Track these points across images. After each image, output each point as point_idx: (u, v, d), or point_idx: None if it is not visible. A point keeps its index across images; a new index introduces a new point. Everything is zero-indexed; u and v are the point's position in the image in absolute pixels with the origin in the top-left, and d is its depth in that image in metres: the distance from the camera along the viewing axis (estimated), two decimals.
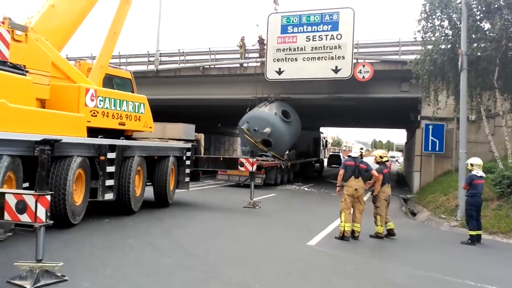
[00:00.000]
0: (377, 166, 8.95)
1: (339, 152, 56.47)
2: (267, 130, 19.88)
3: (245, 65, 21.77)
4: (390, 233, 8.73)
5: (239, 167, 12.24)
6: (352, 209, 8.44)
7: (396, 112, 26.18)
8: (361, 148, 8.78)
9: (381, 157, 8.98)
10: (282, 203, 14.19)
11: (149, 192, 11.06)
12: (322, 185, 22.12)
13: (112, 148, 8.95)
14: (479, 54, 11.93)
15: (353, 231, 8.39)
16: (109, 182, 8.86)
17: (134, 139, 10.82)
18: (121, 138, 9.83)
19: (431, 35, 13.73)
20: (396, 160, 62.05)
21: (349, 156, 8.78)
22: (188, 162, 12.09)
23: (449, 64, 12.86)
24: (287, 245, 7.70)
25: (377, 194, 8.72)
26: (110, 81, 10.72)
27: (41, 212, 4.66)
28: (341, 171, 8.57)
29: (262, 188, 17.83)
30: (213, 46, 22.70)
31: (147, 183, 11.17)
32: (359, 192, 8.38)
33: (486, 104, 14.57)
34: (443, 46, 12.80)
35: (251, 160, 12.09)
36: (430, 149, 18.36)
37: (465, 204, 8.77)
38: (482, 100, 13.68)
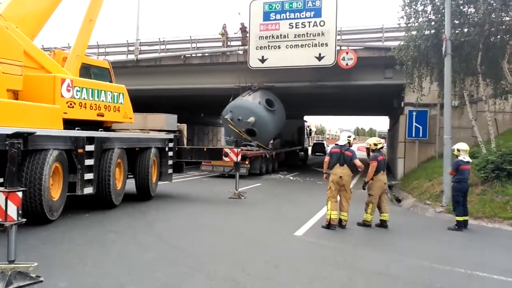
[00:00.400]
0: (372, 153, 8.75)
1: (323, 140, 56.57)
2: (251, 119, 19.65)
3: (227, 53, 21.37)
4: (382, 224, 8.55)
5: (223, 157, 12.00)
6: (338, 197, 8.29)
7: (379, 99, 26.22)
8: (349, 136, 8.57)
9: (375, 144, 8.74)
10: (268, 193, 14.03)
11: (131, 184, 10.77)
12: (307, 173, 22.07)
13: (90, 140, 8.61)
14: (462, 39, 11.84)
15: (340, 220, 8.25)
16: (88, 176, 8.54)
17: (114, 130, 10.46)
18: (100, 129, 9.46)
19: (415, 21, 13.61)
20: None
21: (336, 144, 8.58)
22: (170, 153, 11.79)
23: (433, 49, 12.78)
24: (274, 236, 7.54)
25: (368, 181, 8.54)
26: (87, 71, 10.32)
27: (12, 210, 4.36)
28: (327, 158, 8.48)
29: (247, 178, 17.67)
30: (194, 34, 22.30)
31: (129, 176, 10.88)
32: (344, 180, 8.18)
33: (469, 89, 14.60)
34: (427, 32, 12.69)
35: (235, 150, 11.86)
36: (413, 136, 18.43)
37: (452, 189, 8.72)
38: (465, 86, 13.67)
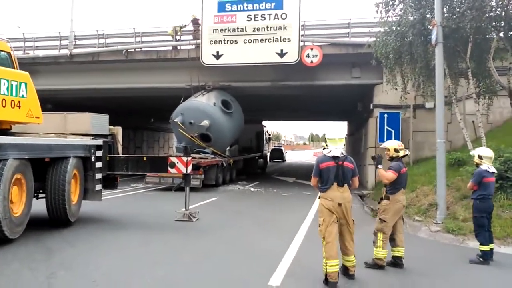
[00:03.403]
0: (392, 162, 6.21)
1: (281, 146, 54.90)
2: (205, 123, 17.16)
3: (177, 47, 18.74)
4: (396, 262, 6.11)
5: (169, 168, 9.38)
6: (338, 234, 5.37)
7: (340, 102, 24.67)
8: (340, 139, 5.60)
9: (396, 150, 6.21)
10: (226, 210, 11.55)
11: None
12: (269, 183, 19.80)
13: None
14: (454, 26, 10.07)
15: (345, 268, 5.46)
16: None
17: (14, 134, 7.63)
18: None
19: (393, 7, 11.78)
20: None
21: (325, 155, 5.42)
22: (99, 164, 9.04)
23: (418, 39, 10.96)
24: None
25: (386, 189, 6.07)
26: None
27: None
28: (314, 180, 5.44)
29: (201, 191, 15.13)
30: (139, 26, 19.51)
31: (39, 195, 8.10)
32: (345, 208, 5.28)
33: (451, 88, 12.99)
34: (411, 18, 10.83)
35: (184, 159, 9.32)
36: (385, 140, 16.72)
37: (473, 210, 6.62)
38: (454, 83, 11.96)
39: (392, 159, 6.26)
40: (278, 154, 43.00)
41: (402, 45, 11.22)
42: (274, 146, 51.09)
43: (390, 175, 6.01)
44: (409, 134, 16.65)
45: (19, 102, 7.31)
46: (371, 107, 17.72)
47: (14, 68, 7.87)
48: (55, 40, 20.30)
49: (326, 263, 5.11)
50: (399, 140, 16.43)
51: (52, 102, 20.54)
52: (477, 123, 11.88)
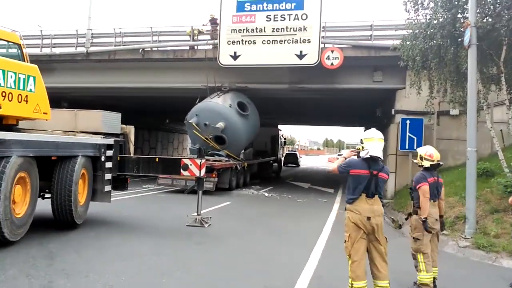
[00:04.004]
0: (419, 172, 5.55)
1: (295, 151, 54.30)
2: (220, 124, 16.74)
3: (194, 47, 18.38)
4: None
5: (182, 171, 8.94)
6: (367, 253, 4.59)
7: (359, 107, 24.00)
8: (381, 139, 4.65)
9: (421, 157, 5.51)
10: (240, 216, 11.04)
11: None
12: (283, 188, 19.25)
13: None
14: (489, 27, 9.44)
15: None
16: None
17: (20, 130, 7.27)
18: None
19: (424, 4, 11.17)
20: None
21: (366, 158, 4.55)
22: (109, 165, 8.64)
23: (448, 41, 10.33)
24: None
25: (426, 218, 5.23)
26: None
27: None
28: (335, 169, 4.72)
29: (214, 194, 14.70)
30: (156, 25, 19.20)
31: (45, 195, 7.75)
32: (375, 223, 4.50)
33: (482, 94, 12.30)
34: (441, 19, 10.20)
35: (198, 161, 8.86)
36: (407, 147, 16.04)
37: None
38: (486, 88, 11.27)
39: (421, 166, 5.64)
40: (292, 158, 42.36)
41: (430, 47, 10.59)
42: (289, 151, 50.53)
43: (423, 190, 5.30)
44: (432, 142, 15.87)
45: (26, 96, 6.95)
46: (393, 112, 17.05)
47: (25, 61, 7.54)
48: (72, 37, 20.16)
49: (352, 283, 4.46)
50: (422, 146, 15.92)
51: (67, 100, 20.44)
52: (507, 131, 11.14)
